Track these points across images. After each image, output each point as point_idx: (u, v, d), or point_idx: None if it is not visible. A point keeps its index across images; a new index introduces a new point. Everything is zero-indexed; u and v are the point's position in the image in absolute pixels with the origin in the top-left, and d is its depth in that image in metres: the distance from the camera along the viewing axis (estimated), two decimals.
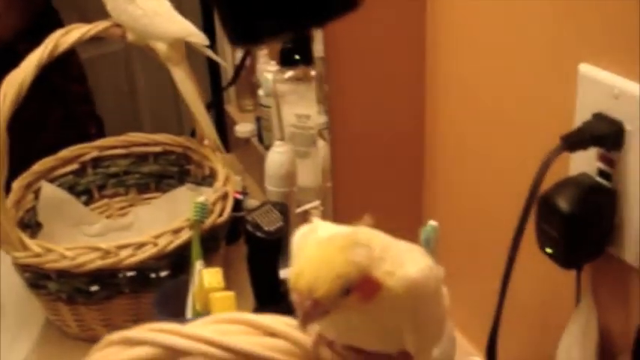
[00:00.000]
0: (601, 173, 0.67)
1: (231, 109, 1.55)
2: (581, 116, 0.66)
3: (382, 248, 0.45)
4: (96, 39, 1.08)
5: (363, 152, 0.94)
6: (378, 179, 0.97)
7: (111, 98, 2.01)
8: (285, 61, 1.14)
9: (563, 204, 0.64)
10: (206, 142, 1.21)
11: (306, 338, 0.46)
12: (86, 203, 1.27)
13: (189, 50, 1.10)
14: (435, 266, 0.49)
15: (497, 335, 0.68)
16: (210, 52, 1.10)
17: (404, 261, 0.46)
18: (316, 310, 0.43)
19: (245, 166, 1.47)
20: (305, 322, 0.43)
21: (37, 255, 0.99)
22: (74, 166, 1.26)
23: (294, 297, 0.43)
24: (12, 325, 1.10)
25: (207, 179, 1.20)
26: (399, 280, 0.45)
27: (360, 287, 0.43)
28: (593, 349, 0.70)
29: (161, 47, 1.09)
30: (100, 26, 1.08)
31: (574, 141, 0.63)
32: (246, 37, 0.52)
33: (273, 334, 0.47)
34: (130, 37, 1.10)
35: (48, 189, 1.20)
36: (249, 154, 1.40)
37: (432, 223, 0.70)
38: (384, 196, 0.97)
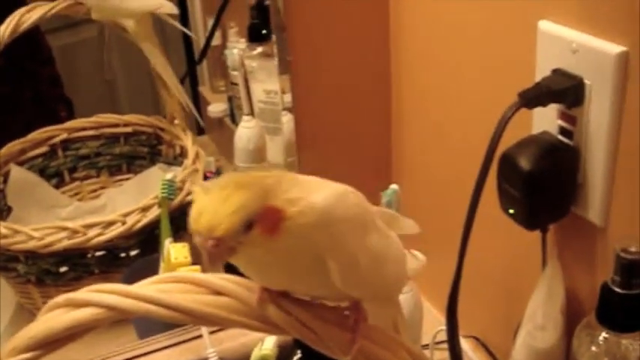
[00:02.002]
0: (563, 131, 0.66)
1: (204, 90, 1.54)
2: (541, 73, 0.66)
3: (288, 182, 0.44)
4: (69, 26, 1.07)
5: (326, 122, 0.93)
6: (344, 148, 0.96)
7: (87, 85, 2.00)
8: (254, 37, 1.13)
9: (523, 162, 0.63)
10: (176, 121, 1.20)
11: (252, 295, 0.45)
12: (57, 186, 1.27)
13: (165, 37, 1.09)
14: (353, 193, 0.47)
15: (457, 300, 0.67)
16: (178, 24, 1.09)
17: (311, 191, 0.44)
18: (220, 249, 0.41)
19: (220, 148, 1.46)
20: (212, 264, 0.42)
21: (4, 236, 0.98)
22: (44, 149, 1.26)
23: (195, 240, 0.42)
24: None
25: (179, 159, 1.19)
26: (303, 207, 0.43)
27: (262, 219, 0.42)
28: (559, 311, 0.69)
29: (129, 24, 1.08)
30: (62, 4, 1.07)
31: (531, 97, 0.62)
32: None
33: (218, 292, 0.45)
34: (94, 15, 1.08)
35: (17, 172, 1.20)
36: (224, 136, 1.39)
37: (393, 186, 0.69)
38: (351, 165, 0.96)
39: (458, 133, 0.85)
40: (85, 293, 0.45)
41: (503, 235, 0.77)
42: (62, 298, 0.45)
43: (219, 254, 0.41)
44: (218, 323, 0.44)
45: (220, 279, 0.45)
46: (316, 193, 0.44)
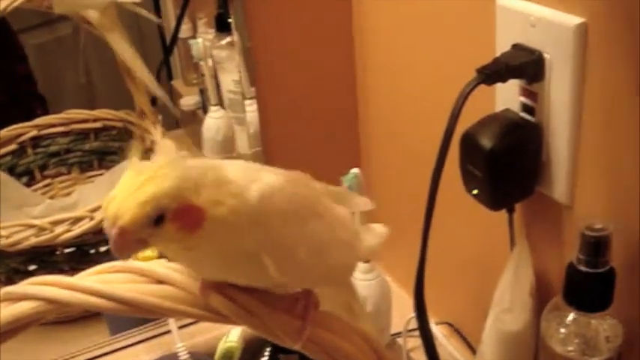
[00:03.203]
0: (525, 108, 0.64)
1: (177, 83, 1.52)
2: (501, 49, 0.64)
3: (215, 174, 0.42)
4: (43, 24, 1.06)
5: (290, 109, 0.91)
6: (309, 134, 0.94)
7: (63, 83, 1.98)
8: (221, 26, 1.11)
9: (484, 141, 0.62)
10: (146, 114, 1.18)
11: (196, 284, 0.44)
12: (27, 184, 1.24)
13: (141, 33, 1.07)
14: (289, 182, 0.46)
15: (424, 282, 0.66)
16: (142, 10, 1.07)
17: (239, 186, 0.42)
18: (125, 239, 0.39)
19: (194, 141, 1.44)
20: (118, 252, 0.40)
21: None
22: (13, 147, 1.23)
23: (104, 225, 0.40)
24: None
25: (149, 153, 1.17)
26: (228, 206, 0.41)
27: (178, 216, 0.40)
28: (528, 293, 0.68)
29: (93, 15, 1.06)
30: None
31: (490, 73, 0.60)
32: None
33: (160, 281, 0.44)
34: (57, 8, 1.06)
35: None
36: (197, 128, 1.37)
37: (354, 170, 0.68)
38: (318, 150, 0.95)
39: (420, 112, 0.83)
40: (23, 286, 0.44)
41: (472, 217, 0.76)
42: (1, 292, 0.44)
43: (124, 244, 0.39)
44: (161, 313, 0.43)
45: (164, 267, 0.44)
46: (244, 188, 0.43)
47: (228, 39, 1.10)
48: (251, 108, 0.96)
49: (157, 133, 1.14)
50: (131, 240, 0.40)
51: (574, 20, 0.58)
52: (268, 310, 0.44)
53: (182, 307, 0.43)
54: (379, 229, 0.57)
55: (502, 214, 0.69)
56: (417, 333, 0.76)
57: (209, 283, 0.44)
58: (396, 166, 0.92)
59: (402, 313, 0.85)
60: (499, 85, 0.64)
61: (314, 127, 0.94)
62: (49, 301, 0.42)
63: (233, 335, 0.75)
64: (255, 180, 0.43)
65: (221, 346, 0.75)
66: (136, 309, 0.42)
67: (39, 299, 0.43)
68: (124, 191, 0.40)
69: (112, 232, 0.39)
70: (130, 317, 0.96)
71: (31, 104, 1.57)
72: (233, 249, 0.42)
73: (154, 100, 1.25)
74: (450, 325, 0.88)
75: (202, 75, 1.25)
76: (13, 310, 0.43)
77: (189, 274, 0.44)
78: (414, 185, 0.89)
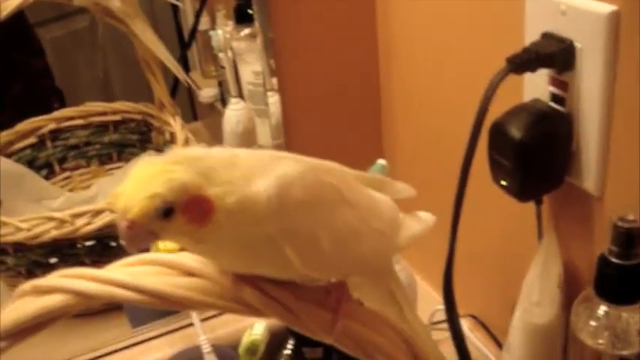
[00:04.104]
0: (554, 98, 0.63)
1: (195, 75, 1.52)
2: (530, 38, 0.63)
3: (228, 165, 0.41)
4: (59, 18, 1.05)
5: (313, 100, 0.91)
6: (332, 125, 0.93)
7: (79, 77, 1.98)
8: (240, 18, 1.11)
9: (514, 131, 0.61)
10: (165, 107, 1.18)
11: (226, 276, 0.43)
12: (47, 177, 1.23)
13: (156, 26, 1.07)
14: (313, 170, 0.44)
15: (452, 276, 0.65)
16: None
17: (254, 177, 0.41)
18: (135, 231, 0.39)
19: (212, 134, 1.44)
20: (128, 245, 0.40)
21: None
22: (32, 140, 1.23)
23: (115, 219, 0.40)
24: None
25: (169, 145, 1.17)
26: (238, 198, 0.40)
27: (187, 209, 0.39)
28: (556, 285, 0.67)
29: (115, 3, 1.06)
30: None
31: (520, 62, 0.59)
32: None
33: (190, 273, 0.43)
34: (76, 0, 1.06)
35: (6, 164, 1.17)
36: (215, 121, 1.37)
37: (380, 161, 0.67)
38: (340, 142, 0.94)
39: (447, 102, 0.82)
40: (52, 279, 0.43)
41: (497, 207, 0.75)
42: (29, 285, 0.43)
43: (134, 236, 0.39)
44: (191, 306, 0.42)
45: (193, 260, 0.43)
46: (259, 179, 0.41)
47: (248, 30, 1.10)
48: (272, 100, 0.95)
49: (176, 125, 1.14)
50: (141, 232, 0.39)
51: (606, 8, 0.57)
52: (300, 302, 0.43)
53: (213, 300, 0.42)
54: (425, 216, 0.55)
55: (527, 205, 0.68)
56: (441, 326, 0.75)
57: (240, 276, 0.43)
58: (419, 157, 0.92)
59: (426, 306, 0.84)
60: (527, 75, 0.63)
61: (337, 118, 0.93)
62: (79, 294, 0.42)
63: (258, 328, 0.74)
64: (272, 169, 0.42)
65: (245, 339, 0.74)
66: (167, 302, 0.42)
67: (68, 292, 0.42)
68: (134, 184, 0.40)
69: (121, 225, 0.39)
70: (152, 310, 0.96)
71: (48, 98, 1.58)
72: (249, 241, 0.41)
73: (172, 93, 1.24)
74: (474, 317, 0.87)
75: (221, 67, 1.24)
76: (41, 303, 0.43)
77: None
78: (439, 176, 0.88)
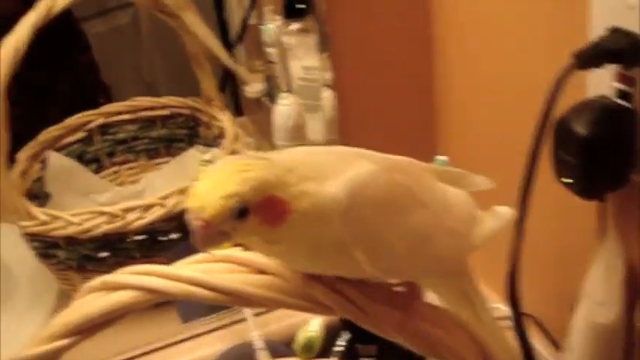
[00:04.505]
0: (620, 94, 0.62)
1: (241, 71, 1.51)
2: (595, 32, 0.62)
3: (302, 166, 0.41)
4: (102, 13, 1.06)
5: (367, 96, 0.90)
6: (387, 121, 0.92)
7: (123, 72, 2.00)
8: (289, 13, 1.10)
9: (579, 128, 0.60)
10: (213, 101, 1.18)
11: (296, 274, 0.42)
12: (95, 171, 1.25)
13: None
14: (386, 170, 0.43)
15: (517, 280, 0.64)
16: None
17: (327, 178, 0.41)
18: (208, 231, 0.39)
19: (258, 129, 1.44)
20: (200, 245, 0.39)
21: (44, 223, 0.96)
22: (81, 134, 1.23)
23: (187, 218, 0.40)
24: (26, 296, 1.08)
25: (217, 140, 1.17)
26: (313, 199, 0.40)
27: (261, 210, 0.39)
28: (619, 286, 0.66)
29: None
30: None
31: (586, 57, 0.58)
32: None
33: (262, 271, 0.43)
34: None
35: (55, 158, 1.18)
36: (262, 116, 1.37)
37: (442, 158, 0.66)
38: (395, 138, 0.93)
39: (504, 98, 0.81)
40: (121, 275, 0.43)
41: (555, 205, 0.74)
42: (98, 281, 0.43)
43: (207, 237, 0.39)
44: (263, 304, 0.42)
45: (263, 257, 0.43)
46: (332, 179, 0.41)
47: (298, 25, 1.09)
48: (325, 95, 0.95)
49: (224, 119, 1.14)
50: (214, 233, 0.39)
51: None
52: (371, 301, 0.42)
53: (284, 298, 0.42)
54: (503, 211, 0.54)
55: (585, 203, 0.67)
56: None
57: (310, 274, 0.43)
58: (475, 154, 0.90)
59: None
60: (591, 71, 0.61)
61: (391, 113, 0.92)
62: (150, 290, 0.42)
63: (314, 325, 0.74)
64: (346, 170, 0.42)
65: (301, 336, 0.74)
66: (240, 299, 0.41)
67: (139, 289, 0.42)
68: (209, 183, 0.39)
69: (195, 225, 0.39)
70: (203, 304, 0.96)
71: (95, 93, 1.59)
72: (320, 243, 0.41)
73: (221, 88, 1.24)
74: (531, 316, 0.86)
75: (269, 62, 1.24)
76: (110, 300, 0.43)
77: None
78: (495, 173, 0.87)
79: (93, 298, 0.43)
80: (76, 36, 1.57)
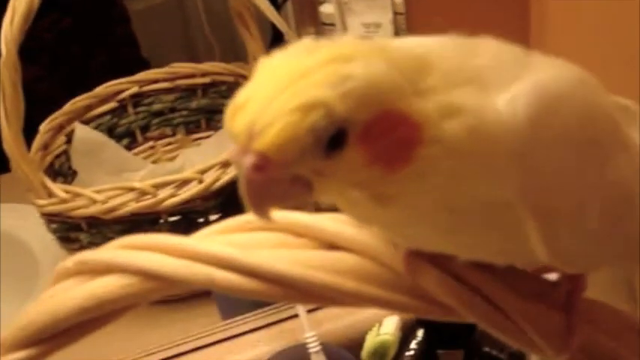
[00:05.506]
0: None
1: (291, 38, 1.41)
2: None
3: (440, 67, 0.22)
4: None
5: None
6: None
7: (165, 48, 1.96)
8: None
9: None
10: None
11: (392, 250, 0.25)
12: (128, 147, 1.13)
13: None
14: (581, 83, 0.26)
15: None
16: None
17: (490, 81, 0.23)
18: (269, 175, 0.21)
19: None
20: (254, 200, 0.21)
21: (63, 201, 0.85)
22: (112, 105, 1.12)
23: (231, 154, 0.22)
24: (49, 283, 0.96)
25: None
26: (472, 118, 0.22)
27: (371, 136, 0.21)
28: None
29: None
30: None
31: None
32: None
33: (332, 245, 0.25)
34: None
35: (82, 131, 1.06)
36: None
37: None
38: None
39: None
40: (108, 251, 0.27)
41: None
42: (72, 260, 0.27)
43: (267, 186, 0.21)
44: (336, 301, 0.25)
45: (337, 222, 0.26)
46: (499, 84, 0.23)
47: None
48: None
49: None
50: (280, 178, 0.22)
51: None
52: (518, 299, 0.25)
53: (373, 291, 0.25)
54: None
55: None
56: None
57: (416, 252, 0.25)
58: None
59: None
60: None
61: None
62: (149, 276, 0.25)
63: (388, 326, 0.58)
64: (521, 76, 0.24)
65: (372, 340, 0.58)
66: (295, 292, 0.25)
67: (132, 272, 0.26)
68: (266, 91, 0.22)
69: (244, 162, 0.22)
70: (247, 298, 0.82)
71: (133, 67, 1.54)
72: (469, 203, 0.23)
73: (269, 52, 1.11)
74: None
75: (324, 24, 1.12)
76: (87, 292, 0.27)
77: (381, 236, 0.25)
78: None
79: (65, 289, 0.27)
80: (113, 7, 1.53)
